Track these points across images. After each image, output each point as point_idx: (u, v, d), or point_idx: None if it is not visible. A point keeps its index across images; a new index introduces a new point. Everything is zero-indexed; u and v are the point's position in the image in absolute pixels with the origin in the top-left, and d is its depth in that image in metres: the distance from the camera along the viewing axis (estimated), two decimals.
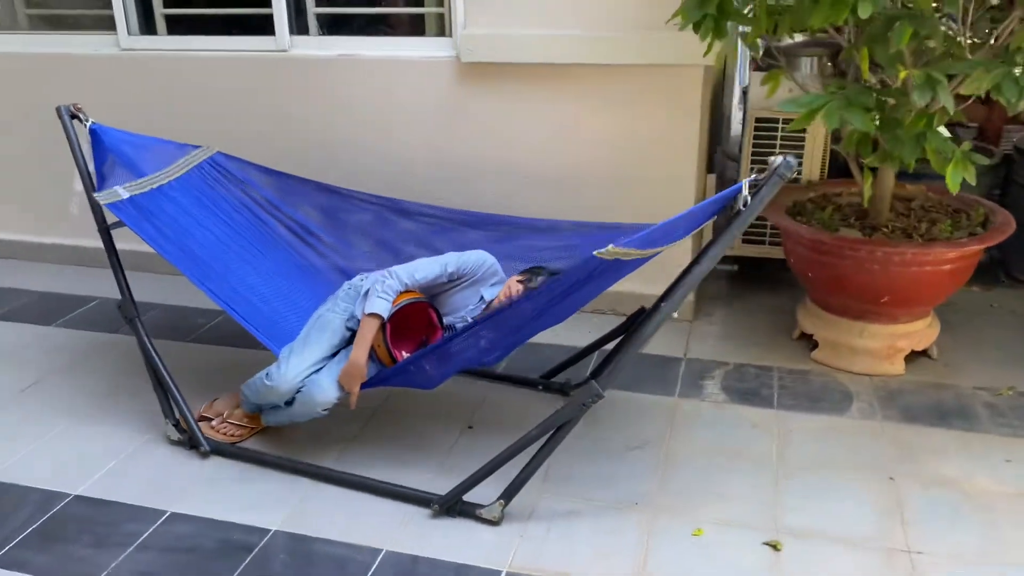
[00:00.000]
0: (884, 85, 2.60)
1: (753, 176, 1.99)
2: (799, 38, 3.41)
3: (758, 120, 3.38)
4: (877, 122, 2.37)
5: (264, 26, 3.44)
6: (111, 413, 2.78)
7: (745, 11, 2.54)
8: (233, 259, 2.71)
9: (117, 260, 2.64)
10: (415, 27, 3.62)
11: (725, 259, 3.71)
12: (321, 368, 2.42)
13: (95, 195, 2.48)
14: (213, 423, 2.60)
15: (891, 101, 2.40)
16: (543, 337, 2.63)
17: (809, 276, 2.97)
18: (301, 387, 2.37)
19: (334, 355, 2.47)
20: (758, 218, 3.39)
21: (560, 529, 2.20)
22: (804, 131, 3.33)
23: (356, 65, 3.36)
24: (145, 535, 2.20)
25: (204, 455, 2.52)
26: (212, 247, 2.68)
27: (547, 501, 2.31)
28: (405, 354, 2.44)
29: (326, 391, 2.35)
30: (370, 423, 2.69)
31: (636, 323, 2.55)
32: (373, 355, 2.39)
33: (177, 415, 2.58)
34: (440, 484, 2.30)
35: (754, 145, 3.42)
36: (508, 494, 2.21)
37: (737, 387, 2.87)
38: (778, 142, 3.39)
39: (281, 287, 2.76)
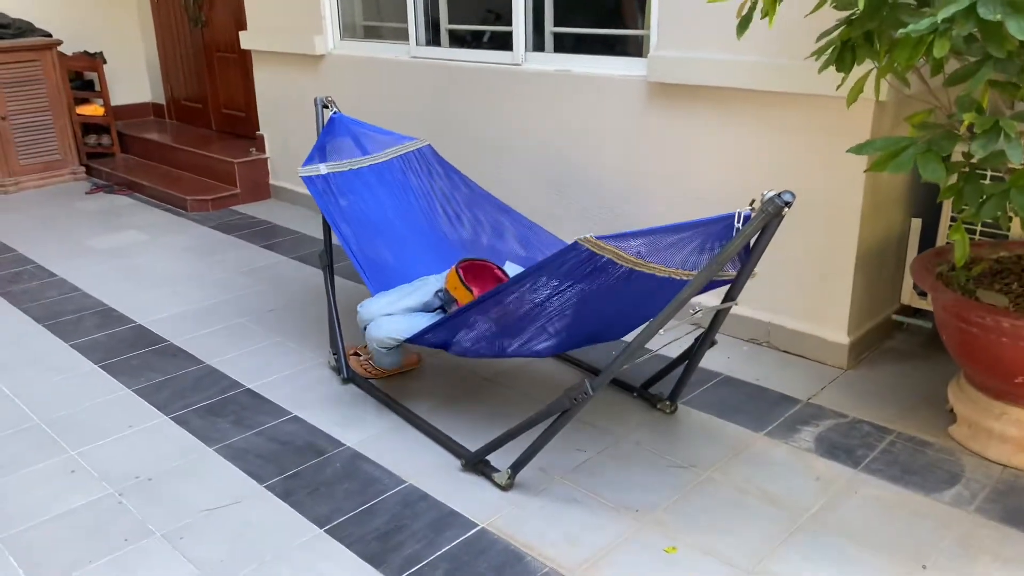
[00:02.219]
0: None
1: (750, 208, 1.98)
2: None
3: None
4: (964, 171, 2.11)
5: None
6: (308, 337, 3.55)
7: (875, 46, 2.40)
8: (390, 232, 3.28)
9: (327, 222, 3.37)
10: (619, 47, 3.87)
11: (922, 315, 3.37)
12: (394, 314, 2.87)
13: (299, 169, 3.22)
14: (362, 359, 3.21)
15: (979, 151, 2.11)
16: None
17: (945, 340, 2.65)
18: (371, 323, 2.86)
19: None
20: None
21: (551, 510, 2.39)
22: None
23: (568, 80, 3.72)
24: (267, 426, 2.88)
25: (343, 381, 3.14)
26: (376, 222, 3.28)
27: (561, 486, 2.50)
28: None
29: (380, 331, 2.81)
30: (473, 389, 3.08)
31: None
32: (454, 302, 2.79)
33: (336, 349, 3.25)
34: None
35: None
36: (516, 466, 2.47)
37: (833, 440, 2.70)
38: None
39: (423, 258, 3.28)
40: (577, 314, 2.41)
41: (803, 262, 3.18)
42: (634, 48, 3.72)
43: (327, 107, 3.44)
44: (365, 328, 2.93)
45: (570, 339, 2.57)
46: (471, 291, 2.74)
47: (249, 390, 3.13)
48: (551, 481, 2.52)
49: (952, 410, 2.81)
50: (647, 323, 2.17)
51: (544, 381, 3.12)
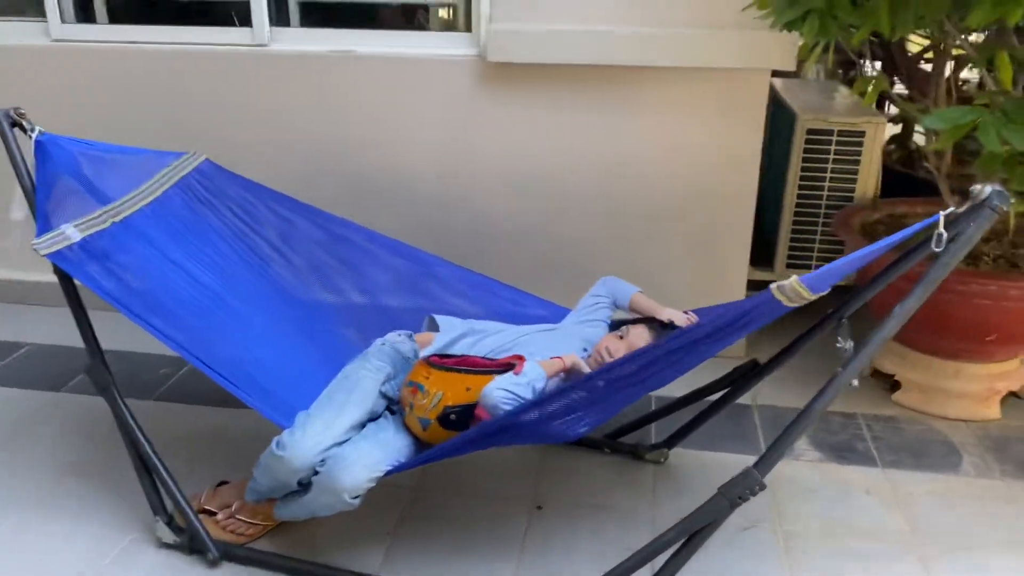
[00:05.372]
0: None
1: (951, 208, 1.60)
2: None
3: (809, 132, 3.03)
4: None
5: (221, 15, 2.87)
6: (73, 502, 2.16)
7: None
8: (222, 314, 2.11)
9: (80, 306, 2.02)
10: (414, 21, 3.11)
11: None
12: (346, 441, 1.85)
13: (34, 243, 1.87)
14: (219, 518, 2.03)
15: None
16: None
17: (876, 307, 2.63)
18: (321, 465, 1.81)
19: (362, 426, 1.92)
20: (813, 239, 3.17)
21: None
22: (860, 145, 3.01)
23: (351, 63, 2.82)
24: None
25: (212, 563, 1.95)
26: (195, 300, 2.08)
27: None
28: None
29: (354, 471, 1.75)
30: (410, 512, 2.17)
31: (744, 378, 2.14)
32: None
33: (172, 509, 2.00)
34: None
35: (804, 160, 3.06)
36: None
37: (827, 441, 2.50)
38: (831, 156, 3.04)
39: (284, 345, 2.19)
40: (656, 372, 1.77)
41: (695, 251, 2.88)
42: (436, 22, 2.97)
43: (19, 125, 2.06)
44: (306, 482, 1.83)
45: (615, 407, 1.90)
46: (481, 373, 1.84)
47: None
48: None
49: (871, 375, 2.83)
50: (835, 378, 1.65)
51: (483, 471, 2.33)
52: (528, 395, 1.74)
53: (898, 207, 2.98)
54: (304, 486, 1.83)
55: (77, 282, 1.95)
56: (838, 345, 1.78)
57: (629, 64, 2.64)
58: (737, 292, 2.91)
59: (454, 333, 2.11)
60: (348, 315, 2.30)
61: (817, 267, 3.21)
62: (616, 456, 2.40)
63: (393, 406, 1.97)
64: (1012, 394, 2.70)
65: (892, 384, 2.74)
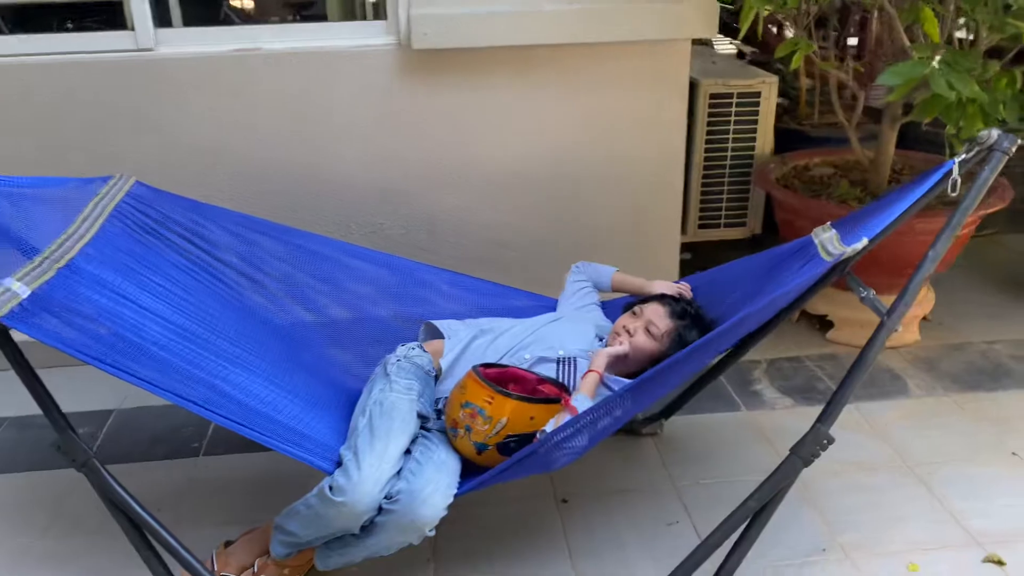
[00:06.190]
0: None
1: (963, 155, 1.73)
2: None
3: (712, 96, 3.15)
4: None
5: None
6: None
7: None
8: (207, 354, 1.85)
9: (32, 374, 1.70)
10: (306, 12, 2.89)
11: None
12: (400, 470, 1.73)
13: None
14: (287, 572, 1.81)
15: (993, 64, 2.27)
16: None
17: None
18: (390, 502, 1.65)
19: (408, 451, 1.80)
20: (720, 198, 3.31)
21: None
22: (757, 105, 3.18)
23: (257, 62, 2.57)
24: None
25: None
26: (172, 341, 1.81)
27: None
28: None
29: (433, 502, 1.63)
30: (441, 533, 2.04)
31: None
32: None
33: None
34: None
35: (708, 124, 3.19)
36: None
37: (790, 387, 2.65)
38: (732, 118, 3.19)
39: (279, 376, 1.96)
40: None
41: (632, 220, 2.91)
42: (338, 13, 2.76)
43: None
44: (375, 519, 1.65)
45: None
46: (544, 402, 1.77)
47: None
48: None
49: (798, 320, 3.03)
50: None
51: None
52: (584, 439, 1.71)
53: (799, 159, 3.18)
54: (364, 528, 1.67)
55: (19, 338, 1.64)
56: (861, 295, 1.88)
57: (557, 43, 2.60)
58: (671, 256, 2.99)
59: (465, 337, 2.01)
60: (335, 333, 2.12)
61: (728, 225, 3.38)
62: (623, 435, 2.40)
63: (426, 424, 1.84)
64: (923, 318, 2.99)
65: (822, 323, 2.95)
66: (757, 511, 1.72)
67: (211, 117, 2.58)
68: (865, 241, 1.67)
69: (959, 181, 1.72)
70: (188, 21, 2.66)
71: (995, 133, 1.69)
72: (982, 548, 1.95)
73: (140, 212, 1.99)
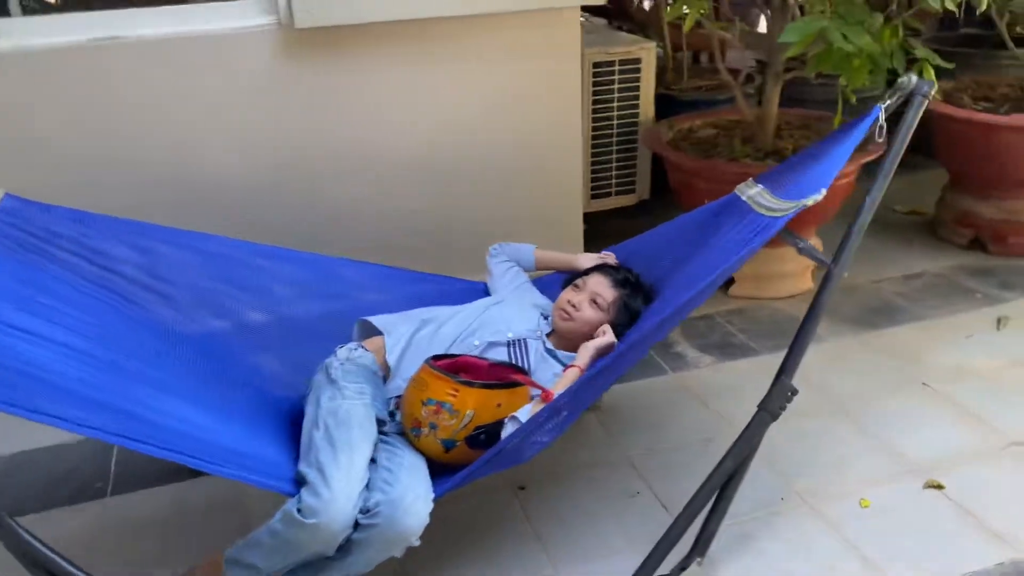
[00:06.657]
0: None
1: (887, 101, 1.78)
2: None
3: (595, 65, 3.14)
4: None
5: None
6: None
7: None
8: (126, 381, 1.64)
9: None
10: None
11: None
12: (370, 481, 1.58)
13: None
14: None
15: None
16: None
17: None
18: (367, 516, 1.51)
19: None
20: (610, 167, 3.30)
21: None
22: (639, 71, 3.21)
23: (118, 52, 2.29)
24: None
25: None
26: (81, 372, 1.58)
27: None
28: None
29: (416, 509, 1.52)
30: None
31: None
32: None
33: None
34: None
35: (593, 92, 3.18)
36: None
37: (708, 344, 2.70)
38: (616, 86, 3.20)
39: (205, 394, 1.76)
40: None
41: (533, 194, 2.85)
42: None
43: None
44: (351, 536, 1.51)
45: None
46: (510, 386, 1.68)
47: None
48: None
49: None
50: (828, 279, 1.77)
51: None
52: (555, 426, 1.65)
53: (683, 123, 3.24)
54: (341, 548, 1.52)
55: None
56: (799, 246, 1.90)
57: (447, 15, 2.49)
58: (575, 228, 2.97)
59: (406, 330, 1.88)
60: (258, 341, 1.93)
61: (619, 193, 3.39)
62: None
63: (382, 428, 1.70)
64: (815, 267, 3.13)
65: (726, 281, 3.02)
66: (733, 471, 1.72)
67: (66, 119, 2.28)
68: (824, 191, 1.68)
69: (885, 127, 1.78)
70: (29, 9, 2.32)
71: (914, 78, 1.75)
72: (921, 476, 2.05)
73: (16, 228, 1.72)
